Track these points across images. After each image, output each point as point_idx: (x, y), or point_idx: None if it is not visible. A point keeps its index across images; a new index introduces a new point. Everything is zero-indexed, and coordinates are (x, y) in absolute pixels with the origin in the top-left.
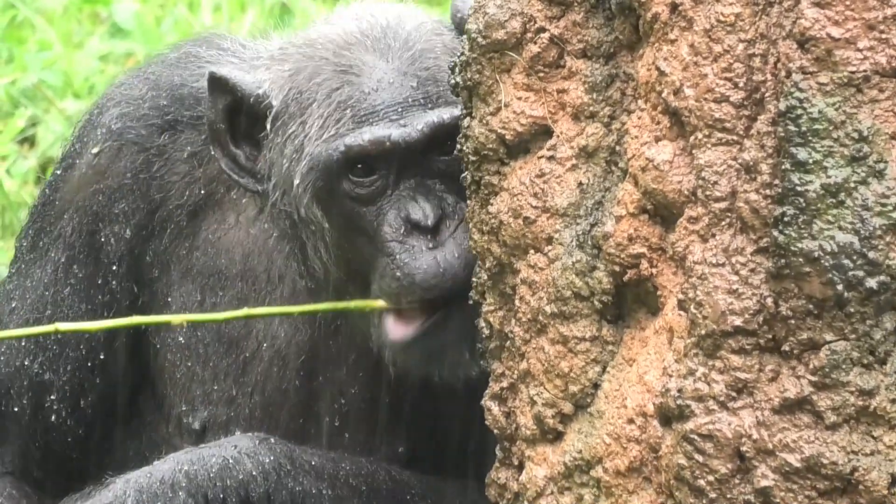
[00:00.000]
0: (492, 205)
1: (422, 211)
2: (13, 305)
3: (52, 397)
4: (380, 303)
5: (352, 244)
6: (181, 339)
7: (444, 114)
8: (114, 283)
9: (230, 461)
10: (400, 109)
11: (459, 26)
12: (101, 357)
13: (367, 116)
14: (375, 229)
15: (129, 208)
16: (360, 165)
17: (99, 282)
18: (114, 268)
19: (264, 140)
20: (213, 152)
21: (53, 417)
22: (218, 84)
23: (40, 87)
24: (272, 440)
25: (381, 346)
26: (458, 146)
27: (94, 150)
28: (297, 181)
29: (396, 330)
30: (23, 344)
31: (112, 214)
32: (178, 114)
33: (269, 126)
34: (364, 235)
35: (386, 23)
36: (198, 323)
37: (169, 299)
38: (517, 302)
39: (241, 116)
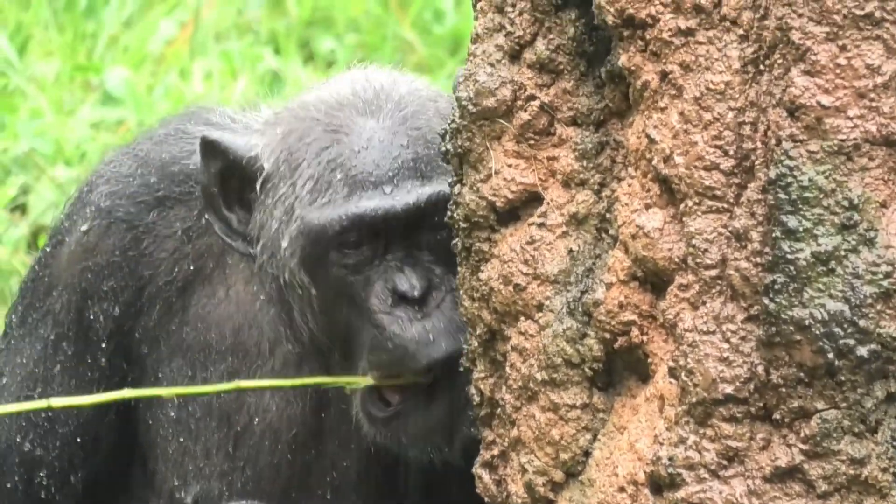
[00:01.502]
0: (482, 272)
1: (408, 282)
2: (3, 382)
3: (43, 473)
4: (367, 379)
5: (338, 310)
6: (172, 413)
7: (436, 188)
8: (103, 360)
9: None
10: (391, 175)
11: None
12: (92, 433)
13: (358, 181)
14: (363, 298)
15: (118, 286)
16: (348, 236)
17: (88, 359)
18: (103, 345)
19: (255, 202)
20: (207, 216)
21: (44, 494)
22: (210, 148)
23: (32, 155)
24: None
25: (360, 422)
26: (449, 213)
27: (84, 228)
28: (284, 244)
29: (375, 407)
30: (14, 420)
31: (101, 292)
32: (167, 190)
33: (258, 188)
34: (350, 303)
35: (380, 86)
36: (189, 397)
37: (159, 375)
38: (508, 369)
39: (233, 180)
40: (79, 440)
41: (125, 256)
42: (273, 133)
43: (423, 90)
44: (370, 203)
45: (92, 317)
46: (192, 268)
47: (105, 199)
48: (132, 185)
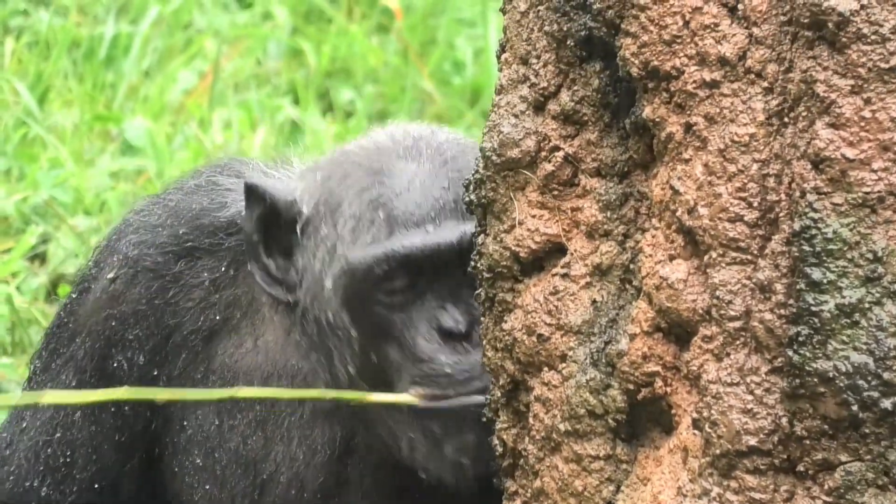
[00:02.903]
0: (506, 322)
1: (452, 319)
2: (24, 425)
3: None
4: (410, 398)
5: (378, 351)
6: (199, 461)
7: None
8: (126, 408)
9: None
10: (433, 215)
11: None
12: (111, 479)
13: (400, 221)
14: (406, 337)
15: (143, 334)
16: (391, 274)
17: (112, 408)
18: None
19: (296, 247)
20: (249, 265)
21: None
22: (251, 192)
23: (51, 204)
24: None
25: (397, 447)
26: (472, 263)
27: (110, 276)
28: (328, 284)
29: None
30: (32, 465)
31: (125, 340)
32: (196, 241)
33: (299, 231)
34: (392, 342)
35: (418, 134)
36: (216, 444)
37: (185, 423)
38: (531, 419)
39: (273, 226)
40: (96, 486)
41: (151, 305)
42: (312, 178)
43: (461, 139)
44: (414, 241)
45: (115, 365)
46: (218, 318)
47: (133, 248)
48: (161, 234)
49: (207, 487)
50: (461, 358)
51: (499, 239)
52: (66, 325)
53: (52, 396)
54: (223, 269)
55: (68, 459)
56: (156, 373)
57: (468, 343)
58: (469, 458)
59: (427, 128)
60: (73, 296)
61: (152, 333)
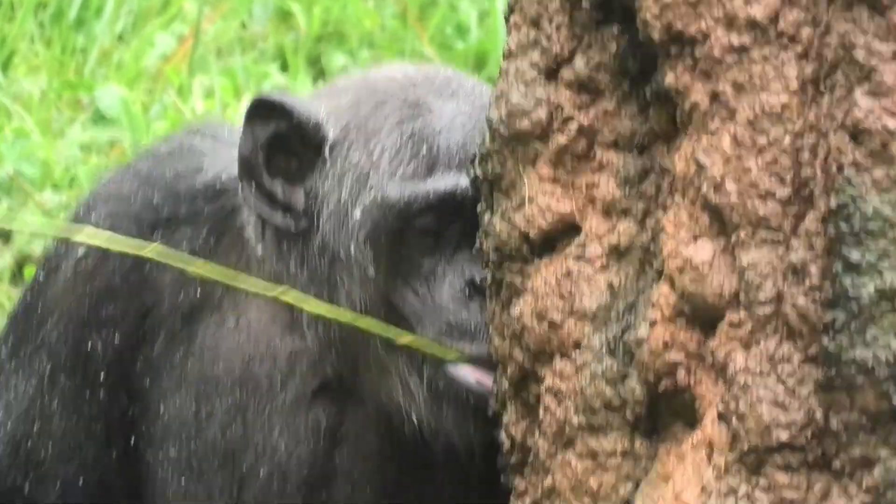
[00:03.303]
0: (514, 307)
1: (483, 273)
2: (0, 417)
3: None
4: (455, 352)
5: (395, 292)
6: (173, 452)
7: None
8: (101, 393)
9: None
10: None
11: None
12: (96, 477)
13: (441, 159)
14: (430, 284)
15: (118, 312)
16: (427, 214)
17: (87, 393)
18: (101, 377)
19: (313, 172)
20: (240, 190)
21: None
22: (266, 109)
23: (17, 179)
24: None
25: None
26: (478, 243)
27: (81, 252)
28: (356, 214)
29: (475, 376)
30: (13, 462)
31: (99, 319)
32: (173, 210)
33: (327, 154)
34: (412, 285)
35: (448, 73)
36: (192, 435)
37: (161, 410)
38: (541, 413)
39: (275, 148)
40: (81, 484)
41: (126, 281)
42: (336, 102)
43: (486, 85)
44: (459, 182)
45: (90, 346)
46: (199, 293)
47: (104, 220)
48: (134, 205)
49: (182, 482)
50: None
51: (507, 217)
52: (34, 309)
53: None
54: (202, 239)
55: (49, 453)
56: (132, 354)
57: None
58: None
59: (449, 69)
60: (41, 277)
61: (127, 311)
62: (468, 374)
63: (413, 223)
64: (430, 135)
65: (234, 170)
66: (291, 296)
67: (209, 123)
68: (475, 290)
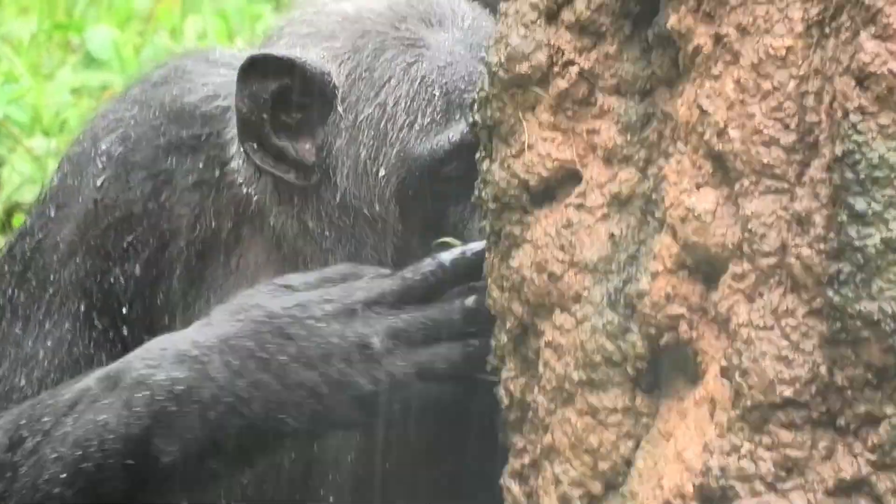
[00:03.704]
0: (513, 258)
1: None
2: (20, 382)
3: None
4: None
5: (424, 242)
6: None
7: None
8: (125, 330)
9: None
10: None
11: None
12: None
13: (455, 101)
14: (458, 231)
15: (139, 241)
16: (452, 161)
17: (113, 331)
18: (124, 312)
19: (323, 126)
20: (243, 147)
21: None
22: (265, 67)
23: (5, 124)
24: None
25: None
26: (476, 192)
27: (98, 182)
28: (381, 171)
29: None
30: None
31: (121, 250)
32: (176, 134)
33: (340, 108)
34: (441, 235)
35: None
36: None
37: None
38: (541, 368)
39: (277, 104)
40: None
41: (146, 209)
42: (330, 47)
43: (461, 2)
44: None
45: (113, 280)
46: (212, 226)
47: (117, 146)
48: (142, 127)
49: None
50: None
51: (506, 165)
52: (50, 249)
53: None
54: (204, 167)
55: None
56: (153, 289)
57: None
58: None
59: None
60: (50, 214)
61: (147, 241)
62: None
63: (440, 172)
64: (438, 76)
65: (228, 90)
66: None
67: (199, 48)
68: None
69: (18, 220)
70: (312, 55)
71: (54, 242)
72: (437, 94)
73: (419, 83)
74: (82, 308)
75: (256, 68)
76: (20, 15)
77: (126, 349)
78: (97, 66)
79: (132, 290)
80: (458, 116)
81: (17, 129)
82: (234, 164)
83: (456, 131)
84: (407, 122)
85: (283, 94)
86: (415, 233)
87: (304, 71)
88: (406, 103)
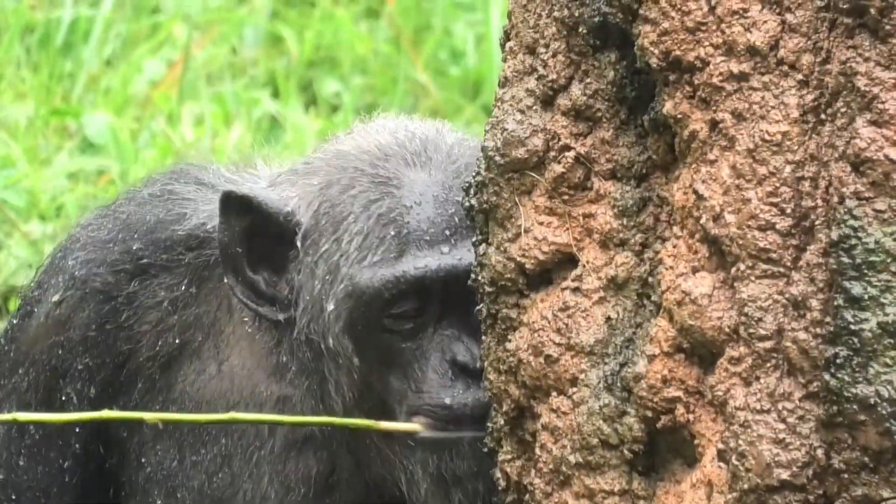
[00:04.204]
0: (510, 341)
1: (469, 353)
2: None
3: None
4: (415, 426)
5: (382, 380)
6: (159, 502)
7: None
8: (77, 445)
9: None
10: (448, 234)
11: None
12: None
13: (412, 239)
14: (415, 370)
15: (94, 364)
16: (401, 299)
17: (59, 443)
18: (76, 429)
19: (291, 262)
20: (226, 280)
21: None
22: (235, 204)
23: (2, 208)
24: None
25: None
26: (473, 276)
27: (55, 299)
28: (330, 306)
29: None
30: None
31: (74, 370)
32: (152, 258)
33: (299, 244)
34: (398, 372)
35: (424, 136)
36: (178, 483)
37: (143, 460)
38: (538, 450)
39: (257, 239)
40: None
41: (102, 331)
42: (308, 184)
43: (470, 140)
44: (428, 262)
45: (64, 398)
46: (177, 341)
47: (81, 268)
48: (112, 251)
49: None
50: (475, 394)
51: (502, 249)
52: (6, 354)
53: (25, 416)
54: (183, 287)
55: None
56: (109, 405)
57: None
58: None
59: (431, 126)
60: (15, 321)
61: (104, 362)
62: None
63: (387, 310)
64: (400, 214)
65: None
66: (243, 416)
67: (191, 165)
68: (459, 369)
69: (14, 303)
70: (290, 192)
71: (10, 351)
72: (393, 232)
73: (375, 220)
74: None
75: (231, 204)
76: (17, 100)
77: (79, 465)
78: (94, 151)
79: (86, 408)
80: (412, 255)
81: (14, 213)
82: (219, 276)
83: (404, 268)
84: (358, 257)
85: (258, 230)
86: (371, 369)
87: (266, 210)
88: (360, 240)
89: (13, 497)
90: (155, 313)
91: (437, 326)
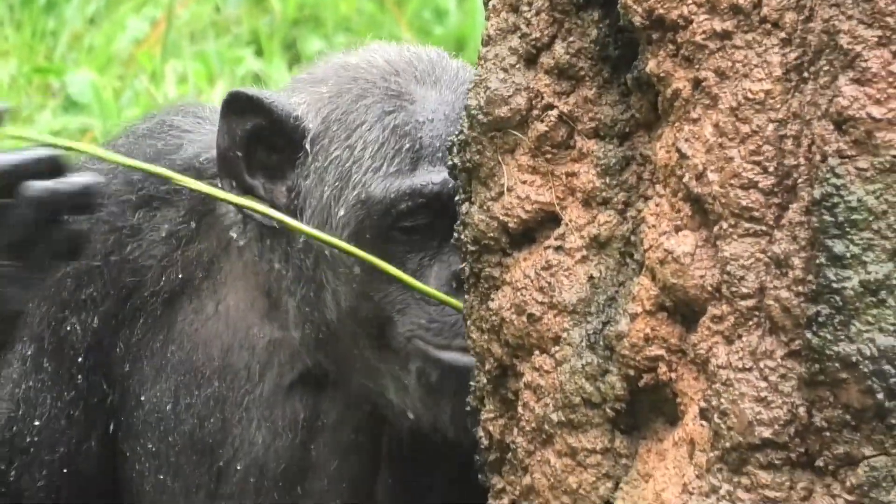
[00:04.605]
0: (492, 300)
1: None
2: None
3: None
4: (458, 303)
5: (381, 290)
6: (151, 445)
7: None
8: (79, 377)
9: None
10: None
11: None
12: (76, 464)
13: (426, 154)
14: (417, 280)
15: (98, 294)
16: (414, 211)
17: (67, 377)
18: (79, 360)
19: (294, 168)
20: (221, 184)
21: None
22: (242, 105)
23: None
24: None
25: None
26: (456, 234)
27: None
28: (340, 212)
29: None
30: None
31: (79, 301)
32: (153, 189)
33: (308, 148)
34: (397, 285)
35: (430, 57)
36: (169, 427)
37: (142, 398)
38: (520, 409)
39: (258, 144)
40: (65, 471)
41: (107, 262)
42: (316, 92)
43: (471, 67)
44: (446, 178)
45: (69, 328)
46: (180, 276)
47: None
48: (114, 182)
49: (160, 476)
50: None
51: (485, 207)
52: None
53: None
54: (181, 220)
55: (33, 439)
56: (112, 338)
57: None
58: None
59: (434, 51)
60: None
61: (108, 293)
62: (460, 358)
63: (400, 221)
64: (414, 128)
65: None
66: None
67: (189, 103)
68: (461, 282)
69: None
70: (298, 99)
71: None
72: (408, 145)
73: (391, 131)
74: (30, 352)
75: (235, 105)
76: (0, 58)
77: (81, 398)
78: (77, 109)
79: (90, 340)
80: (426, 169)
81: None
82: (221, 210)
83: (421, 181)
84: (372, 166)
85: (260, 133)
86: (373, 278)
87: (276, 112)
88: (374, 148)
89: (35, 432)
90: (160, 247)
91: (443, 241)
